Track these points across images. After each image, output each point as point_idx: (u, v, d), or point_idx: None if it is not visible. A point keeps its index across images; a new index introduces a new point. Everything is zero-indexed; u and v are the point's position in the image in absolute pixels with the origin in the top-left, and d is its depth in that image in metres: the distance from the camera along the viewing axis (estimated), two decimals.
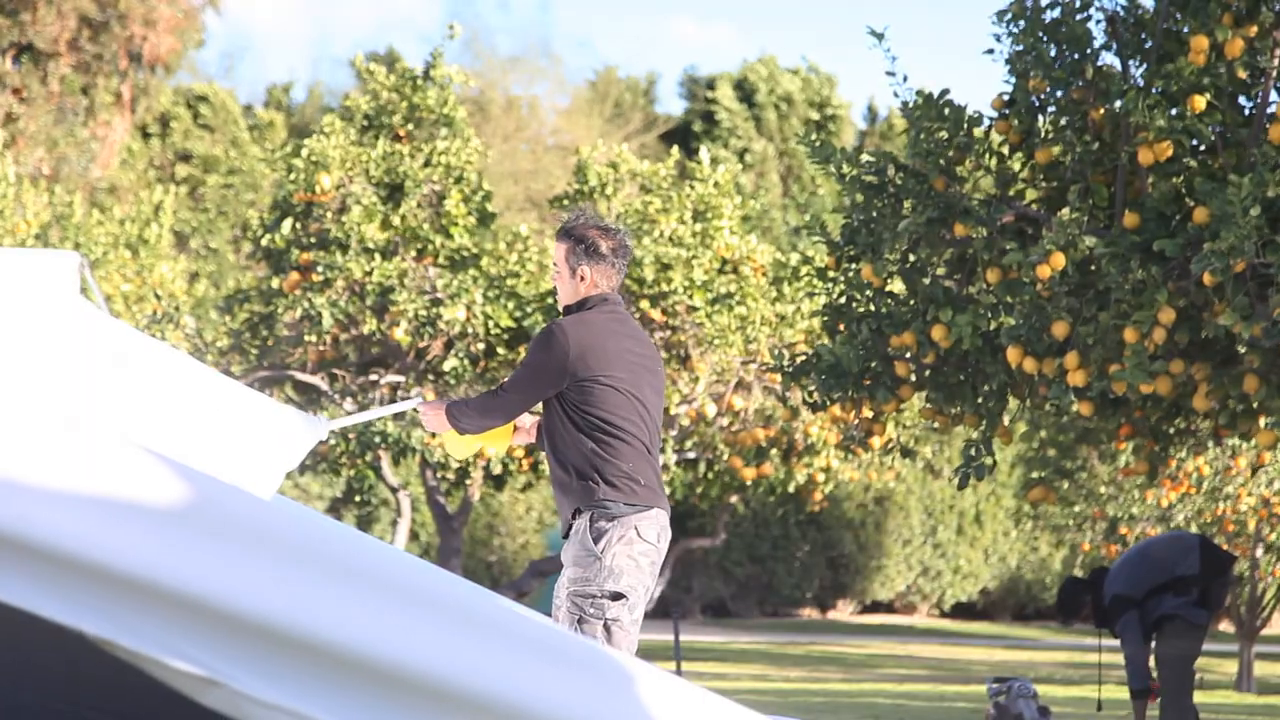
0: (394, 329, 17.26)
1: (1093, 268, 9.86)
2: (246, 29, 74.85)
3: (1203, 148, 9.95)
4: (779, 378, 13.56)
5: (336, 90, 43.25)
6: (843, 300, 11.14)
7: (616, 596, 6.11)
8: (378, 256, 17.40)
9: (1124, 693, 11.57)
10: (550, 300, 17.77)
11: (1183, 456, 18.10)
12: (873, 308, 10.92)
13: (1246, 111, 9.96)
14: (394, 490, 19.68)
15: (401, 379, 17.90)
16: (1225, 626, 28.28)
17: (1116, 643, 11.17)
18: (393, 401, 17.90)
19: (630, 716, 3.29)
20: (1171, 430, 11.58)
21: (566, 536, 6.24)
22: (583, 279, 6.33)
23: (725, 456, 18.61)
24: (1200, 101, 9.51)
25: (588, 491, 6.11)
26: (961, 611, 37.11)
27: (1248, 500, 18.97)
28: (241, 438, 6.43)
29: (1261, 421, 11.16)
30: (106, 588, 2.83)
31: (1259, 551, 19.60)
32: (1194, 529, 19.11)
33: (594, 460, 6.10)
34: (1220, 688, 19.94)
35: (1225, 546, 18.50)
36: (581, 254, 6.33)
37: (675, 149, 19.94)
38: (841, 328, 11.05)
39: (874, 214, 10.59)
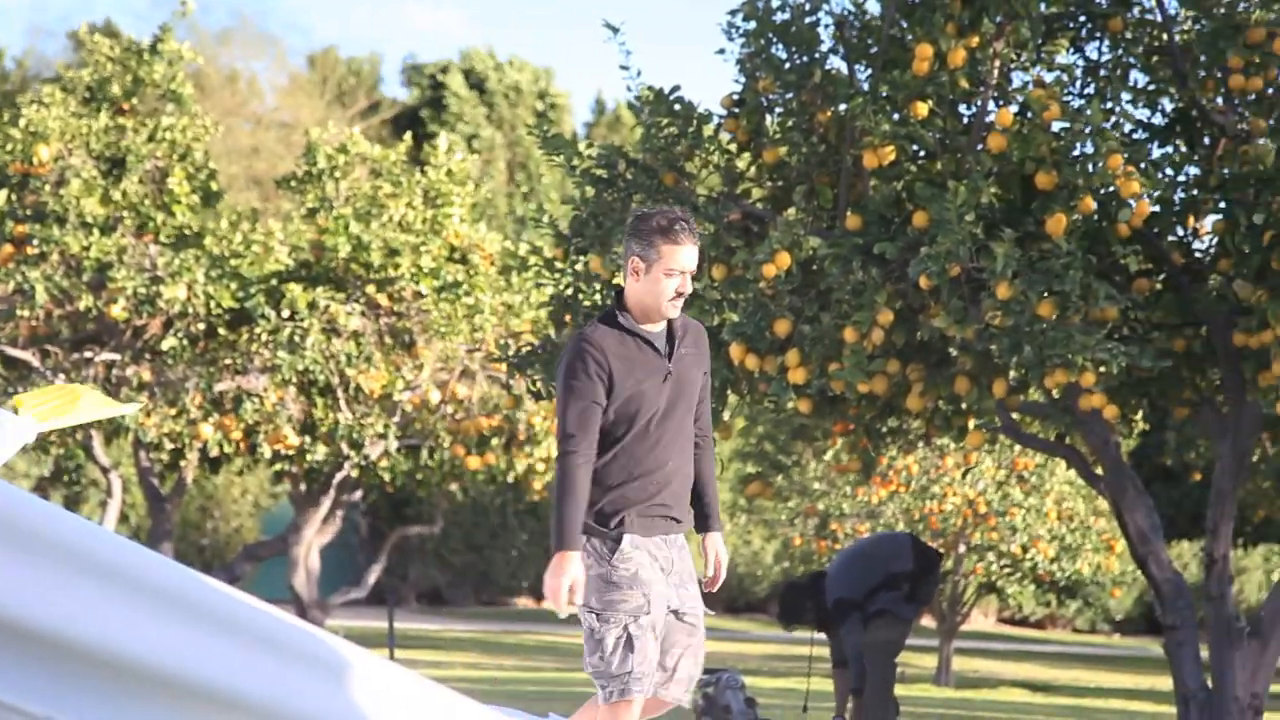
0: (111, 306, 16.93)
1: (815, 268, 10.05)
2: None
3: (924, 153, 10.20)
4: (504, 367, 13.59)
5: (50, 60, 41.96)
6: (570, 292, 11.19)
7: None
8: (96, 232, 17.06)
9: (828, 685, 11.82)
10: (274, 281, 17.57)
11: (894, 455, 18.54)
12: (599, 300, 10.99)
13: (966, 120, 10.24)
14: (105, 470, 19.28)
15: (117, 356, 17.56)
16: (927, 622, 29.03)
17: (824, 637, 11.41)
18: (107, 380, 17.55)
19: (347, 701, 3.30)
20: (884, 429, 11.86)
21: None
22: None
23: (447, 444, 18.59)
24: (923, 108, 9.75)
25: None
26: None
27: (953, 500, 19.50)
28: None
29: (970, 423, 11.50)
30: None
31: (961, 549, 20.16)
32: (902, 526, 19.58)
33: None
34: (920, 681, 20.46)
35: (931, 544, 18.99)
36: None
37: (408, 135, 19.85)
38: (568, 319, 11.10)
39: (603, 207, 10.65)
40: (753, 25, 10.24)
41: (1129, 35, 10.55)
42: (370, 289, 17.52)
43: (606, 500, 5.68)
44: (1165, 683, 13.56)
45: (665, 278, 5.64)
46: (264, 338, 17.27)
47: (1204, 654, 10.72)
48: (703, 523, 5.98)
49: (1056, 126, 9.68)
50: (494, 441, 18.72)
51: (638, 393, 5.64)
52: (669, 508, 5.72)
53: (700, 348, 5.82)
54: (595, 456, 5.64)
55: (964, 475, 19.59)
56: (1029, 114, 9.82)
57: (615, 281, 11.06)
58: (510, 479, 19.28)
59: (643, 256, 5.64)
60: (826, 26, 10.34)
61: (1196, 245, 10.65)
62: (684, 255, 5.64)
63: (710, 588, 5.94)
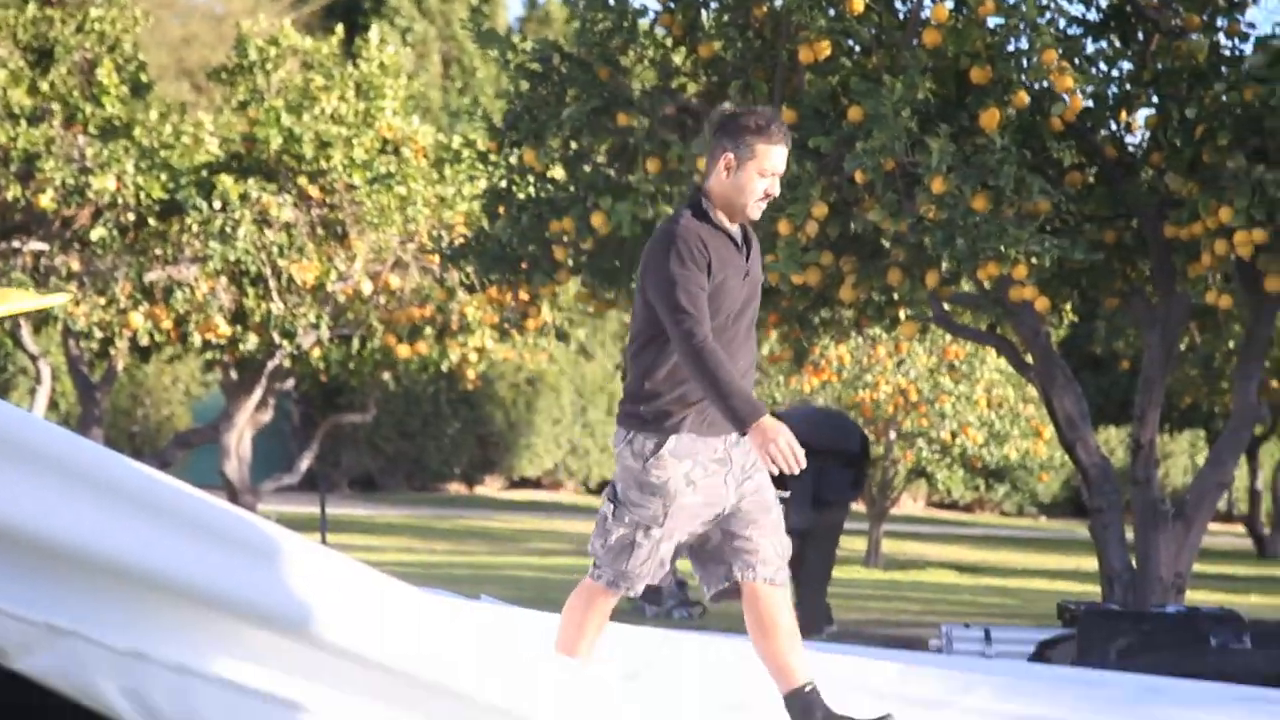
0: (39, 196, 16.80)
1: None
2: None
3: (859, 49, 10.22)
4: (437, 259, 13.60)
5: None
6: (504, 184, 11.20)
7: None
8: (24, 122, 16.91)
9: None
10: (205, 172, 17.47)
11: (826, 345, 18.67)
12: (534, 193, 11.01)
13: (902, 15, 10.25)
14: (33, 358, 19.22)
15: (45, 246, 17.44)
16: (857, 507, 29.32)
17: None
18: (35, 270, 17.46)
19: (279, 585, 3.35)
20: (817, 320, 11.96)
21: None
22: None
23: (380, 334, 18.61)
24: (858, 3, 9.74)
25: None
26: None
27: (885, 389, 19.66)
28: None
29: (903, 313, 11.61)
30: None
31: (892, 436, 20.34)
32: None
33: None
34: (850, 564, 20.68)
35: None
36: None
37: (340, 27, 19.68)
38: (502, 211, 11.12)
39: (538, 101, 10.65)
40: None
41: None
42: (302, 180, 17.43)
43: (669, 397, 5.61)
44: (1091, 564, 13.82)
45: (758, 177, 5.63)
46: (195, 228, 17.19)
47: (1129, 536, 10.92)
48: None
49: (991, 22, 9.71)
50: (426, 331, 18.75)
51: (724, 287, 5.59)
52: None
53: (758, 255, 5.82)
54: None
55: (896, 365, 19.75)
56: (964, 9, 9.84)
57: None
58: (444, 368, 19.34)
59: (736, 154, 5.61)
60: None
61: (1129, 139, 10.74)
62: (778, 155, 5.64)
63: None
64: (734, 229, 5.68)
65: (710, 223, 5.64)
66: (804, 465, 5.40)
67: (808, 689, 5.65)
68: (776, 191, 5.68)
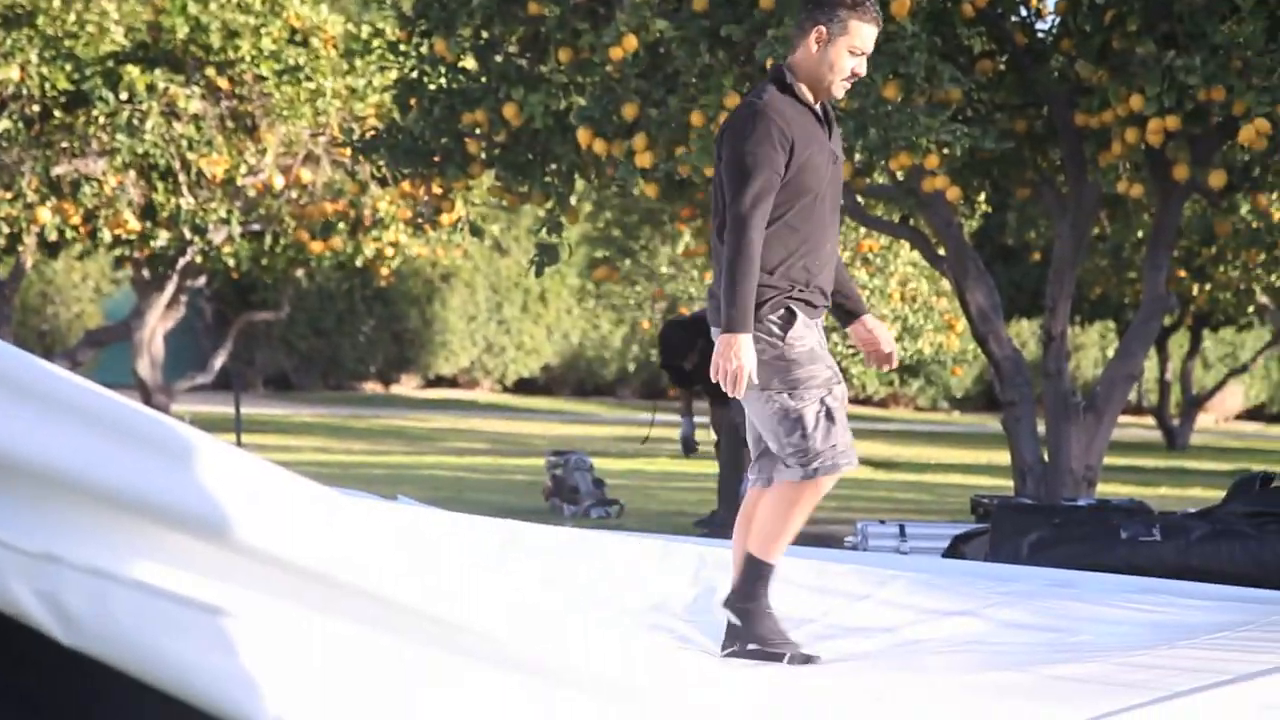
0: None
1: (662, 51, 10.00)
2: None
3: None
4: (349, 152, 13.47)
5: None
6: (415, 75, 11.08)
7: None
8: None
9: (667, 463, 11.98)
10: (110, 63, 17.19)
11: None
12: (445, 83, 10.89)
13: None
14: None
15: None
16: None
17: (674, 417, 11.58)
18: None
19: (193, 487, 3.32)
20: None
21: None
22: None
23: (292, 229, 18.43)
24: None
25: None
26: (523, 387, 37.69)
27: None
28: None
29: None
30: None
31: None
32: None
33: None
34: None
35: None
36: None
37: None
38: (413, 103, 11.00)
39: None
40: None
41: None
42: (210, 71, 17.19)
43: (775, 276, 5.44)
44: (1003, 457, 13.92)
45: (848, 54, 5.47)
46: (102, 120, 16.94)
47: (1041, 429, 10.99)
48: (857, 309, 5.89)
49: None
50: (339, 226, 18.60)
51: (810, 165, 5.44)
52: (823, 292, 5.56)
53: (839, 136, 5.68)
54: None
55: None
56: None
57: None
58: (358, 264, 19.20)
59: (829, 27, 5.46)
60: None
61: (1039, 25, 10.72)
62: (869, 34, 5.50)
63: (891, 364, 5.86)
64: (817, 106, 5.53)
65: (794, 96, 5.50)
66: (740, 395, 5.34)
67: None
68: (863, 72, 5.54)
